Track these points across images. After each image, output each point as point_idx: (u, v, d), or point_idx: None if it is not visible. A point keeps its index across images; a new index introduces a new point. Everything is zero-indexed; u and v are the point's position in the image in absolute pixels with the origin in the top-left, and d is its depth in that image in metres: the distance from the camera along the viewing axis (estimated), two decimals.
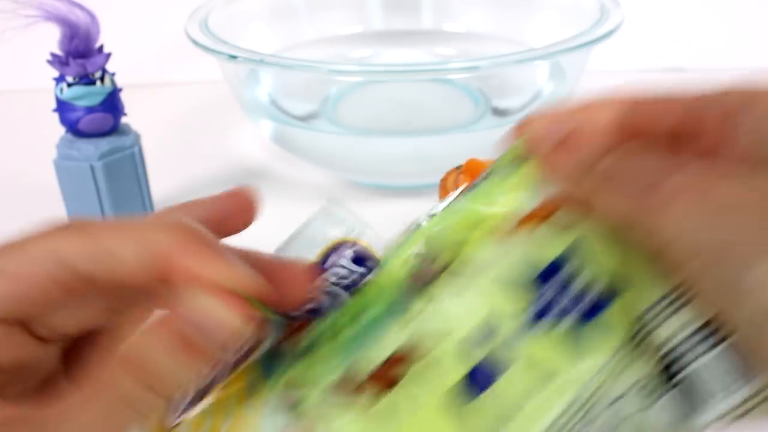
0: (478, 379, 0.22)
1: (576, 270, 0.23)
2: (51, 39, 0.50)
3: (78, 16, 0.49)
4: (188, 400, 0.25)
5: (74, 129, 0.52)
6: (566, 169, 0.22)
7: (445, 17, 0.79)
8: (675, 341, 0.21)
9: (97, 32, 0.51)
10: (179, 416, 0.25)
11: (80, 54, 0.50)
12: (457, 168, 0.44)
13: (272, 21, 0.74)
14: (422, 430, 0.22)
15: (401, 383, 0.22)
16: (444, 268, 0.24)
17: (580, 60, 0.61)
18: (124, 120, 0.55)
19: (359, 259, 0.26)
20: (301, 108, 0.66)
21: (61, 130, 0.54)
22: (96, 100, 0.51)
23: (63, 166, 0.53)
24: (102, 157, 0.52)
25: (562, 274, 0.23)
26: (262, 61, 0.55)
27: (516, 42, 0.70)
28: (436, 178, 0.48)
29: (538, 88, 0.64)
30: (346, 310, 0.25)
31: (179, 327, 0.21)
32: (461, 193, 0.26)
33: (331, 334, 0.24)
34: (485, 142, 0.63)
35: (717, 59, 0.89)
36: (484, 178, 0.25)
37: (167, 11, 0.76)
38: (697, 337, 0.21)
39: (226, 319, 0.21)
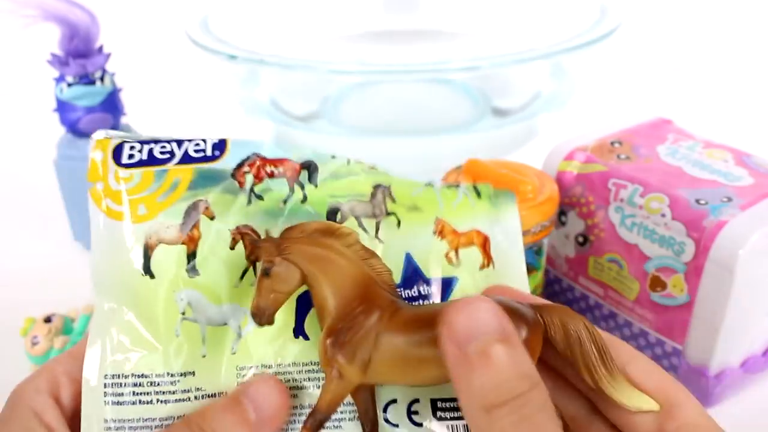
0: None
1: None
2: (51, 39, 0.50)
3: (78, 16, 0.49)
4: None
5: (74, 129, 0.52)
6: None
7: (445, 17, 0.79)
8: None
9: (97, 32, 0.51)
10: None
11: (80, 54, 0.50)
12: (457, 168, 0.44)
13: (272, 21, 0.74)
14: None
15: None
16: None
17: (580, 60, 0.61)
18: (124, 120, 0.55)
19: None
20: (301, 108, 0.66)
21: (61, 130, 0.54)
22: (96, 100, 0.51)
23: (63, 166, 0.53)
24: None
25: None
26: (262, 61, 0.55)
27: (516, 42, 0.70)
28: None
29: (538, 88, 0.64)
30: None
31: None
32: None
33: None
34: (485, 142, 0.63)
35: (714, 60, 0.89)
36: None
37: (167, 11, 0.76)
38: None
39: None
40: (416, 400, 0.28)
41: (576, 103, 0.66)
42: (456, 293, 0.30)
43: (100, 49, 0.51)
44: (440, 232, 0.31)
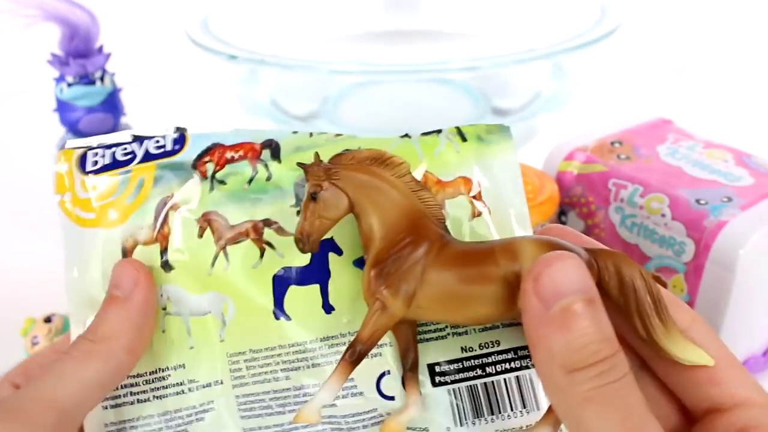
0: None
1: None
2: (51, 39, 0.50)
3: (78, 16, 0.49)
4: None
5: (74, 129, 0.52)
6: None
7: (446, 17, 0.79)
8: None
9: (97, 32, 0.51)
10: None
11: (80, 54, 0.50)
12: None
13: (272, 21, 0.74)
14: None
15: None
16: None
17: (580, 60, 0.61)
18: (124, 120, 0.55)
19: None
20: (301, 108, 0.66)
21: (61, 130, 0.54)
22: (96, 100, 0.51)
23: None
24: None
25: None
26: (262, 61, 0.55)
27: (516, 42, 0.70)
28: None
29: (538, 88, 0.64)
30: None
31: None
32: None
33: None
34: None
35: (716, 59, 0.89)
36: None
37: (167, 11, 0.76)
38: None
39: None
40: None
41: (576, 103, 0.66)
42: None
43: (100, 49, 0.51)
44: (423, 185, 0.29)
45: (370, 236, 0.26)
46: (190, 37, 0.59)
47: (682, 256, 0.39)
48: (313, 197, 0.25)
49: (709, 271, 0.38)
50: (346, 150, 0.28)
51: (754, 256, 0.36)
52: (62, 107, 0.52)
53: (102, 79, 0.51)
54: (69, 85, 0.51)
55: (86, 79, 0.51)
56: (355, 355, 0.25)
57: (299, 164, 0.26)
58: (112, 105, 0.52)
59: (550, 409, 0.25)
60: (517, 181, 0.29)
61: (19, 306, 0.48)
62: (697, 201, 0.39)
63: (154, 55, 0.87)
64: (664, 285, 0.40)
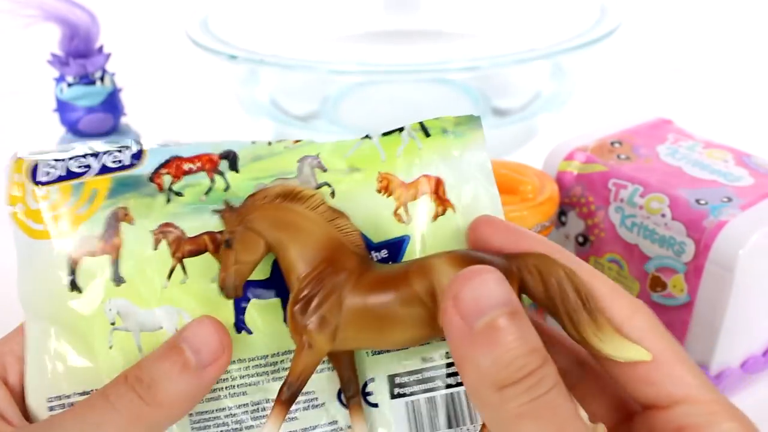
0: None
1: None
2: (51, 39, 0.50)
3: (78, 16, 0.49)
4: None
5: (74, 129, 0.52)
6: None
7: (446, 17, 0.79)
8: None
9: (97, 32, 0.51)
10: None
11: (80, 54, 0.50)
12: None
13: (272, 21, 0.74)
14: None
15: None
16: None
17: (580, 60, 0.61)
18: (124, 120, 0.55)
19: None
20: (301, 108, 0.66)
21: (61, 130, 0.54)
22: (96, 100, 0.51)
23: None
24: None
25: None
26: (262, 61, 0.55)
27: (516, 42, 0.70)
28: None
29: (538, 88, 0.64)
30: None
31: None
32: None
33: None
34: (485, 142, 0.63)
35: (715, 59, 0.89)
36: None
37: (167, 11, 0.76)
38: None
39: None
40: (371, 379, 0.27)
41: (576, 103, 0.66)
42: (408, 253, 0.28)
43: (100, 49, 0.51)
44: (385, 189, 0.28)
45: (292, 273, 0.25)
46: (190, 37, 0.59)
47: (682, 256, 0.39)
48: (227, 245, 0.25)
49: (709, 271, 0.38)
50: (260, 185, 0.27)
51: (754, 256, 0.36)
52: (62, 107, 0.52)
53: (102, 79, 0.51)
54: (69, 85, 0.51)
55: (86, 79, 0.51)
56: (286, 395, 0.25)
57: (215, 211, 0.26)
58: (112, 105, 0.52)
59: (483, 427, 0.25)
60: (487, 172, 0.28)
61: (19, 306, 0.48)
62: (697, 201, 0.39)
63: (154, 55, 0.87)
64: (665, 282, 0.40)
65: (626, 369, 0.24)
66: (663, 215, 0.40)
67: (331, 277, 0.25)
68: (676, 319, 0.40)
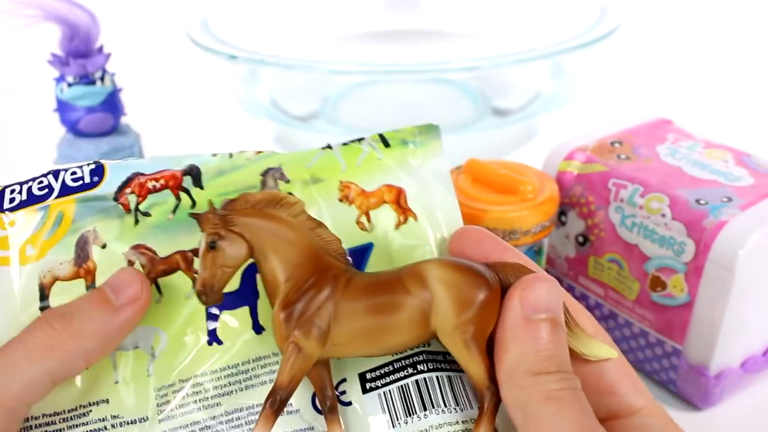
0: None
1: None
2: (51, 39, 0.50)
3: (78, 16, 0.49)
4: None
5: (74, 129, 0.52)
6: None
7: (446, 17, 0.79)
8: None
9: (97, 32, 0.51)
10: None
11: (80, 54, 0.50)
12: (457, 168, 0.44)
13: (272, 21, 0.74)
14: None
15: None
16: None
17: (580, 60, 0.61)
18: (124, 120, 0.55)
19: None
20: (301, 108, 0.66)
21: (61, 130, 0.54)
22: (96, 100, 0.51)
23: None
24: (102, 157, 0.52)
25: None
26: (262, 61, 0.55)
27: (516, 42, 0.70)
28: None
29: (538, 88, 0.64)
30: None
31: None
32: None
33: None
34: (485, 142, 0.63)
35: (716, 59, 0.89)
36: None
37: (167, 11, 0.76)
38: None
39: None
40: (343, 380, 0.27)
41: (576, 103, 0.66)
42: (372, 261, 0.28)
43: (101, 49, 0.51)
44: (346, 197, 0.29)
45: (274, 280, 0.25)
46: (190, 37, 0.59)
47: (682, 256, 0.39)
48: (211, 246, 0.25)
49: (709, 271, 0.38)
50: (242, 192, 0.27)
51: (754, 256, 0.36)
52: (62, 107, 0.52)
53: (102, 79, 0.51)
54: (69, 85, 0.51)
55: (86, 79, 0.51)
56: (276, 403, 0.25)
57: (191, 215, 0.26)
58: (112, 105, 0.52)
59: (481, 414, 0.25)
60: (446, 180, 0.29)
61: None
62: (697, 201, 0.39)
63: (154, 55, 0.87)
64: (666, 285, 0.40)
65: (591, 381, 0.27)
66: (663, 215, 0.40)
67: (318, 283, 0.25)
68: (676, 319, 0.40)
